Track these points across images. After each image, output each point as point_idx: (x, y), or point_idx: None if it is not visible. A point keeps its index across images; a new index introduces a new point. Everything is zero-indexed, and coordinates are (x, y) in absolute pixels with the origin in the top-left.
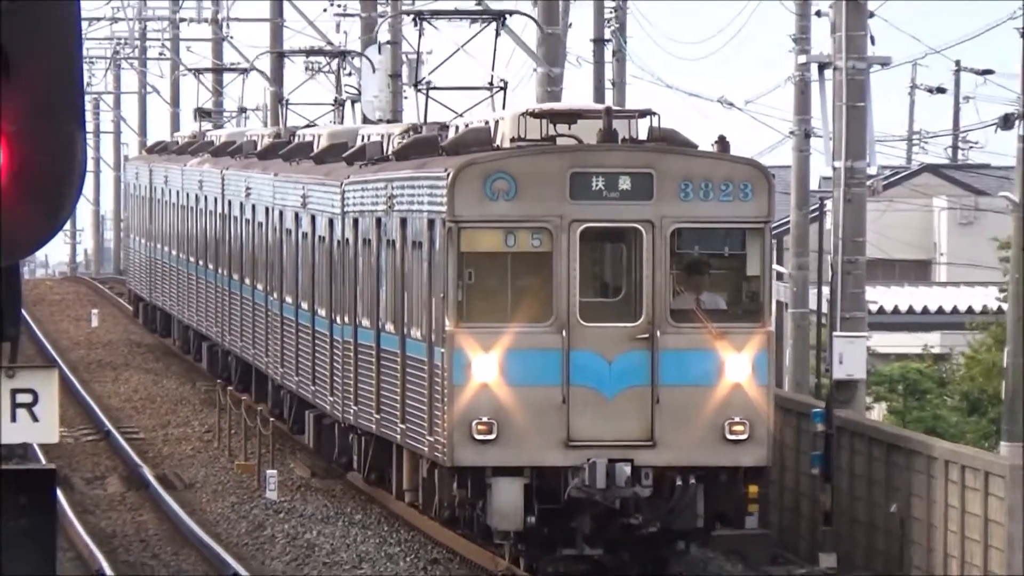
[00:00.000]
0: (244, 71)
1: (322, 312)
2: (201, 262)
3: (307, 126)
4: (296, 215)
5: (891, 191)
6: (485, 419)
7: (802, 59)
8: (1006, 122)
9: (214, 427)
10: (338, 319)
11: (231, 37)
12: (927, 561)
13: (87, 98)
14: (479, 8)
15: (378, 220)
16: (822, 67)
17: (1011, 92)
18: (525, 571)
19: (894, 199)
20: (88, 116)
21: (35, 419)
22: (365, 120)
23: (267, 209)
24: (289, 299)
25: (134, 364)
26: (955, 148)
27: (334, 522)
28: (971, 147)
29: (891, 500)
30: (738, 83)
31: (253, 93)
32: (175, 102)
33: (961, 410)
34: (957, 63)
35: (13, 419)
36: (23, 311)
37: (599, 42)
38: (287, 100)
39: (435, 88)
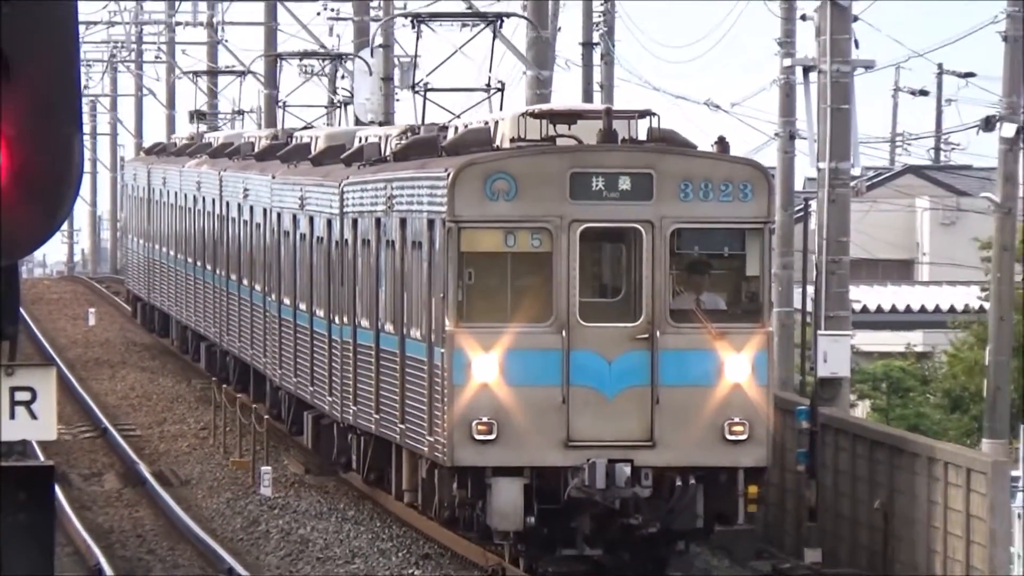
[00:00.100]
0: (241, 74)
1: (320, 312)
2: (199, 263)
3: (304, 128)
4: (294, 216)
5: (874, 192)
6: (485, 419)
7: (787, 62)
8: (988, 124)
9: (209, 424)
10: (337, 319)
11: (226, 41)
12: (910, 556)
13: (84, 100)
14: (477, 11)
15: (377, 220)
16: (807, 70)
17: (992, 95)
18: (525, 571)
19: (877, 200)
20: (85, 118)
21: (33, 416)
22: (357, 122)
23: (265, 210)
24: (287, 300)
25: (131, 362)
26: (937, 150)
27: (327, 518)
28: (953, 149)
29: (875, 496)
30: (724, 86)
31: (248, 96)
32: (171, 104)
33: (943, 407)
34: (939, 66)
35: (12, 416)
36: (21, 310)
37: (588, 45)
38: (284, 103)
39: (433, 90)
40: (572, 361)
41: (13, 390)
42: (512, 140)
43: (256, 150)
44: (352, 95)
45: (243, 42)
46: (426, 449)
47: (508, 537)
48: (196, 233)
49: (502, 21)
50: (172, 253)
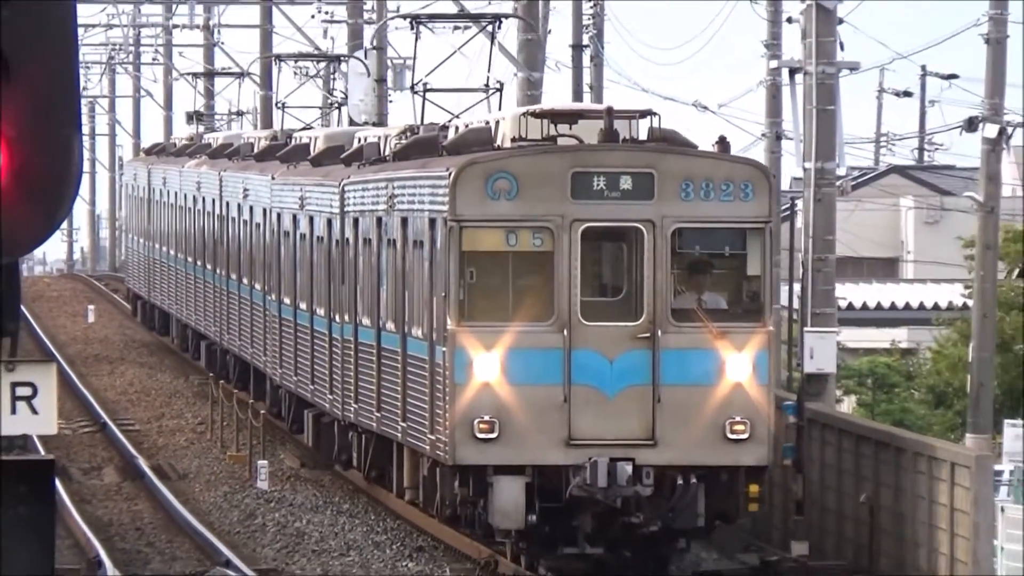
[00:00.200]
0: (239, 76)
1: (320, 311)
2: (199, 262)
3: (303, 129)
4: (294, 216)
5: (859, 191)
6: (487, 418)
7: (773, 64)
8: (970, 125)
9: (207, 419)
10: (337, 318)
11: (222, 43)
12: (895, 549)
13: (83, 101)
14: (476, 13)
15: (379, 220)
16: (793, 72)
17: (975, 96)
18: (526, 569)
19: (862, 199)
20: (84, 119)
21: (34, 411)
22: (351, 123)
23: (265, 210)
24: (287, 299)
25: (129, 358)
26: (921, 150)
27: (323, 511)
28: (936, 149)
29: (861, 490)
30: (712, 87)
31: (245, 97)
32: (168, 105)
33: (928, 403)
34: (923, 68)
35: (13, 411)
36: (22, 307)
37: (577, 47)
38: (284, 104)
39: (432, 90)
40: (573, 360)
41: (14, 385)
42: (513, 140)
43: (255, 151)
44: (346, 96)
45: (239, 45)
46: (428, 447)
47: (510, 535)
48: (196, 233)
49: (500, 23)
50: (172, 252)
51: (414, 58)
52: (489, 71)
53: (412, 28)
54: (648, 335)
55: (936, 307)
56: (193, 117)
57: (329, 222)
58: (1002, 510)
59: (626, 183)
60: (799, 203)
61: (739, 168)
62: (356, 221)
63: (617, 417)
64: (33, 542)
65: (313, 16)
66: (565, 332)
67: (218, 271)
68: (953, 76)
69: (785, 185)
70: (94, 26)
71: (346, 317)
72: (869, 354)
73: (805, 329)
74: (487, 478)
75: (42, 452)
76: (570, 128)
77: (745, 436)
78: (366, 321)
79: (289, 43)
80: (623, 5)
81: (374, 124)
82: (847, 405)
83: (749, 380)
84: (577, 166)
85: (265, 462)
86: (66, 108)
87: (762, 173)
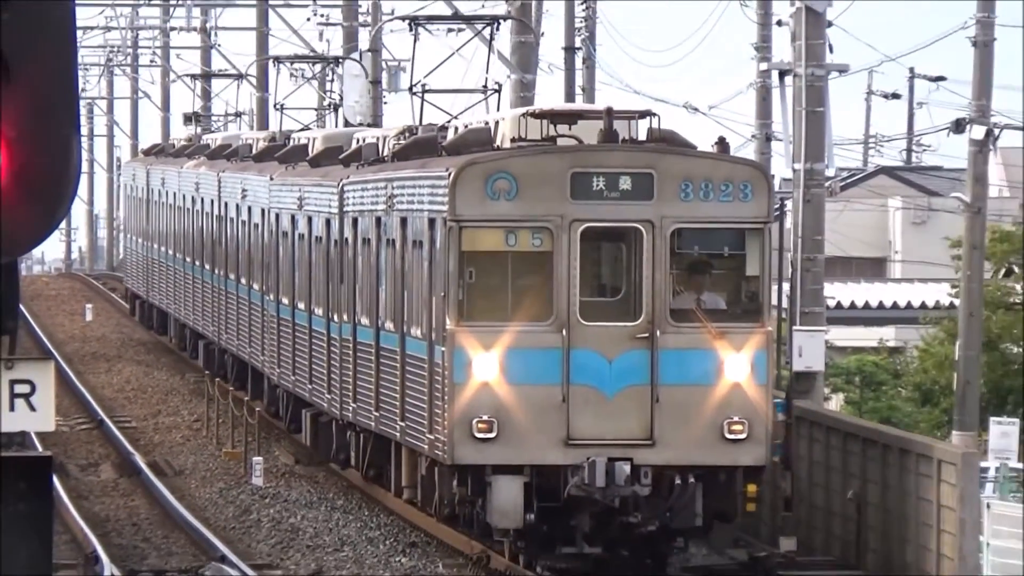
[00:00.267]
0: (237, 77)
1: (319, 311)
2: (198, 262)
3: (302, 130)
4: (292, 216)
5: (848, 192)
6: (485, 417)
7: (763, 66)
8: (958, 126)
9: (203, 416)
10: (336, 317)
11: (219, 45)
12: (882, 545)
13: (82, 103)
14: (473, 14)
15: (378, 220)
16: (783, 74)
17: (962, 98)
18: (525, 568)
19: (851, 199)
20: (83, 120)
21: (32, 408)
22: (347, 124)
23: (263, 210)
24: (285, 299)
25: (126, 356)
26: (909, 151)
27: (317, 507)
28: (924, 150)
29: (848, 487)
30: (702, 89)
31: (242, 99)
32: (166, 107)
33: (915, 401)
34: (911, 70)
35: (11, 408)
36: (21, 306)
37: (570, 50)
38: (282, 105)
39: (430, 91)
40: (572, 360)
41: (12, 383)
42: (513, 140)
43: (254, 151)
44: (341, 98)
45: (236, 47)
46: (426, 447)
47: (508, 535)
48: (195, 233)
49: (499, 24)
50: (171, 252)
51: (412, 59)
52: (487, 72)
53: (411, 29)
54: (647, 335)
55: (923, 306)
56: (191, 118)
57: (328, 222)
58: (988, 506)
59: (625, 183)
60: (788, 204)
61: (738, 169)
62: (355, 221)
63: (616, 417)
64: (31, 538)
65: (309, 19)
66: (564, 332)
67: (216, 271)
68: (941, 78)
69: (775, 186)
70: (92, 28)
71: (344, 317)
72: (857, 352)
73: (794, 328)
74: (485, 477)
75: (40, 449)
76: (569, 129)
77: (743, 436)
78: (365, 321)
79: (285, 45)
80: (615, 7)
81: (369, 125)
82: (835, 403)
83: (747, 380)
84: (577, 166)
85: (260, 459)
86: (65, 109)
87: (761, 174)
